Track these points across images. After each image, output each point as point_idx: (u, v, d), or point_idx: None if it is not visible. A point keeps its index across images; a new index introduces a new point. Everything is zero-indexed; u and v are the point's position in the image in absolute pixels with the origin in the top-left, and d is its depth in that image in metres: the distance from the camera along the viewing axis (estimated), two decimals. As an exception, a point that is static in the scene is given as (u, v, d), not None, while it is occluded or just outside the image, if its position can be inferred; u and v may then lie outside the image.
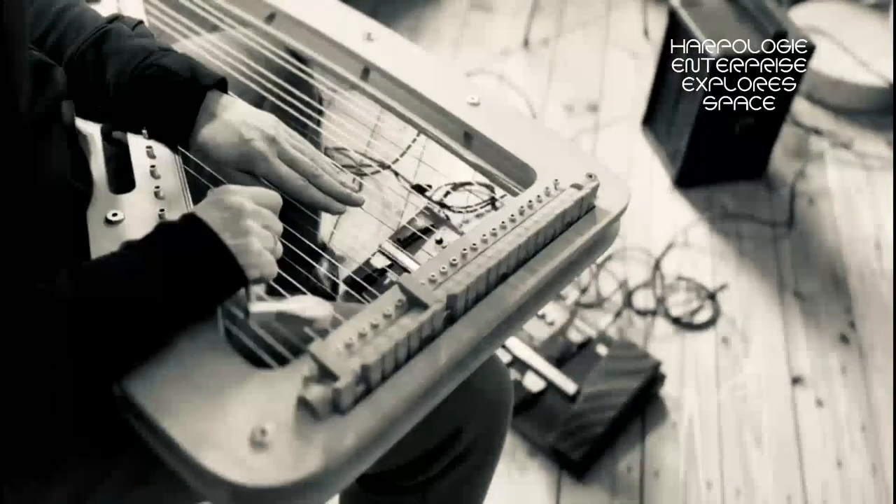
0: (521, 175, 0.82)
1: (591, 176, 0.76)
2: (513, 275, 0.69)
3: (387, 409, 0.58)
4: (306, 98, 0.89)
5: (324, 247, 1.37)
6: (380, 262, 1.29)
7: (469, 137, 0.87)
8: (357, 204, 0.79)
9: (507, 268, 0.69)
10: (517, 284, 0.68)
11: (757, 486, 1.38)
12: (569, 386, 1.42)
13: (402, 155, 1.10)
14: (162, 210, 0.71)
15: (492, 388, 0.84)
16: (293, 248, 0.74)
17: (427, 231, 1.26)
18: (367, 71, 0.93)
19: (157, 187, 0.73)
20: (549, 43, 2.32)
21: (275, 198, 0.68)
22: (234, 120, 0.75)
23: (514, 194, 0.83)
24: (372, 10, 2.23)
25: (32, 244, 0.67)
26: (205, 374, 0.59)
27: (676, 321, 1.61)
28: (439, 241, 1.26)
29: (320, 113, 0.94)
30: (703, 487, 1.37)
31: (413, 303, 0.63)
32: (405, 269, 1.26)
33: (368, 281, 1.28)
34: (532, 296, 0.70)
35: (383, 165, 1.03)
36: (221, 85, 0.78)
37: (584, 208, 0.75)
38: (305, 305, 0.63)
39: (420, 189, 1.29)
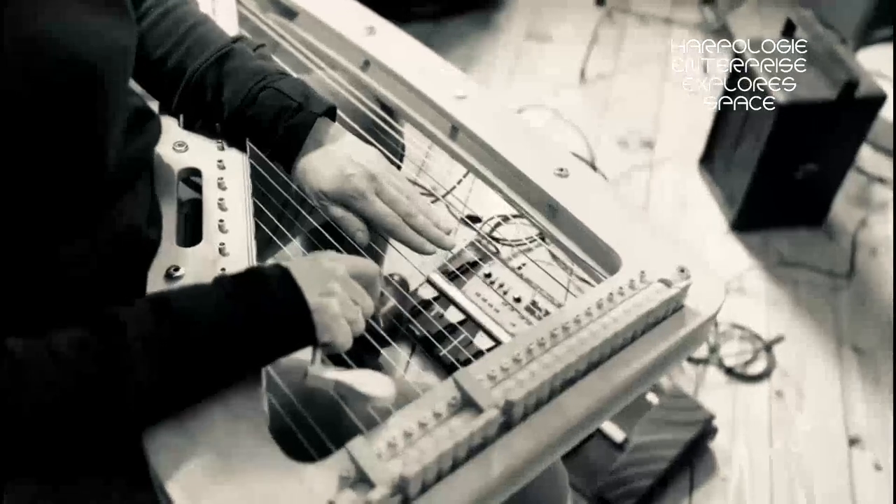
0: (605, 259, 0.75)
1: (682, 270, 0.68)
2: (582, 379, 0.61)
3: None
4: (390, 149, 0.89)
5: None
6: (427, 293, 1.28)
7: (553, 210, 0.81)
8: (448, 248, 0.78)
9: (576, 372, 0.61)
10: (586, 392, 0.60)
11: (809, 551, 1.33)
12: (617, 434, 1.38)
13: (458, 183, 1.07)
14: (223, 269, 0.68)
15: (546, 496, 0.78)
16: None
17: (475, 265, 1.25)
18: (455, 129, 0.91)
19: (223, 244, 0.71)
20: (606, 76, 2.30)
21: (372, 269, 0.66)
22: (339, 153, 0.77)
23: (597, 280, 0.76)
24: (426, 39, 2.22)
25: (101, 292, 0.66)
26: (239, 460, 0.55)
27: (729, 371, 1.56)
28: (487, 276, 1.25)
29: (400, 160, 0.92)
30: (753, 549, 1.32)
31: (467, 402, 0.58)
32: (451, 301, 1.25)
33: (413, 313, 1.27)
34: (602, 405, 0.62)
35: (436, 196, 1.01)
36: (331, 113, 0.80)
37: (672, 308, 0.67)
38: (367, 380, 0.59)
39: (472, 220, 1.27)
